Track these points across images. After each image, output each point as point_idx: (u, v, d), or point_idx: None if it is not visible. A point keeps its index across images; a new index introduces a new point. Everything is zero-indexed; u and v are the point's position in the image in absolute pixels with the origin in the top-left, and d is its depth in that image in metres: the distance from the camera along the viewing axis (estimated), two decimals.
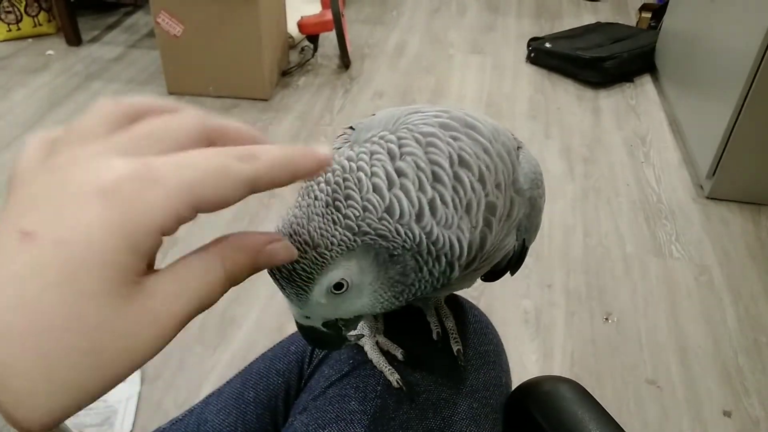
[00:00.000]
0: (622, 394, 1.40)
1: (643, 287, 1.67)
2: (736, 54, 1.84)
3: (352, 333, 0.62)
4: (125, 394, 1.33)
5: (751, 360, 1.47)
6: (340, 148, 0.48)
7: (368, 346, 0.61)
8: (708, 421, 1.34)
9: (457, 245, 0.43)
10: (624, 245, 1.81)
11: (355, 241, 0.39)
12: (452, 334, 0.61)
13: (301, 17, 2.57)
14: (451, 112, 0.46)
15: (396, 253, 0.41)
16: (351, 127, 0.51)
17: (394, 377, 0.57)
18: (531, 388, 0.58)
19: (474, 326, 0.65)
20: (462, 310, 0.66)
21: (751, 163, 1.90)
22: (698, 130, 2.12)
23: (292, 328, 0.71)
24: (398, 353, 0.59)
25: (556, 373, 1.44)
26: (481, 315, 0.67)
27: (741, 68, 1.78)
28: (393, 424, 0.55)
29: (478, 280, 0.60)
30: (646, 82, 2.66)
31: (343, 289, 0.41)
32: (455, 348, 0.60)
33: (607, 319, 1.58)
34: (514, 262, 0.57)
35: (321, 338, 0.47)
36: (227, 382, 0.68)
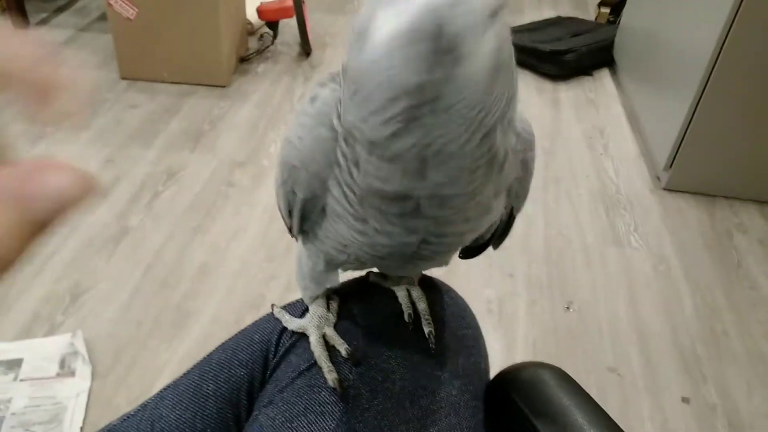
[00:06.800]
0: (584, 382, 1.39)
1: (602, 277, 1.68)
2: (693, 49, 1.87)
3: (295, 324, 0.60)
4: (75, 391, 1.27)
5: (707, 348, 1.50)
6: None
7: (313, 338, 0.57)
8: (667, 408, 1.36)
9: None
10: (584, 235, 1.82)
11: None
12: (424, 315, 0.59)
13: (261, 3, 2.51)
14: None
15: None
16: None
17: (331, 376, 0.54)
18: (512, 374, 0.56)
19: (451, 309, 0.62)
20: (437, 292, 0.64)
21: (706, 155, 1.94)
22: (656, 123, 2.15)
23: (252, 321, 0.68)
24: (342, 349, 0.56)
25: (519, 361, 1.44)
26: (457, 298, 0.65)
27: (698, 63, 1.81)
28: (368, 416, 0.52)
29: (454, 258, 0.57)
30: (604, 76, 2.70)
31: None
32: (426, 330, 0.58)
33: (568, 308, 1.58)
34: (499, 233, 0.54)
35: None
36: (184, 374, 0.63)
